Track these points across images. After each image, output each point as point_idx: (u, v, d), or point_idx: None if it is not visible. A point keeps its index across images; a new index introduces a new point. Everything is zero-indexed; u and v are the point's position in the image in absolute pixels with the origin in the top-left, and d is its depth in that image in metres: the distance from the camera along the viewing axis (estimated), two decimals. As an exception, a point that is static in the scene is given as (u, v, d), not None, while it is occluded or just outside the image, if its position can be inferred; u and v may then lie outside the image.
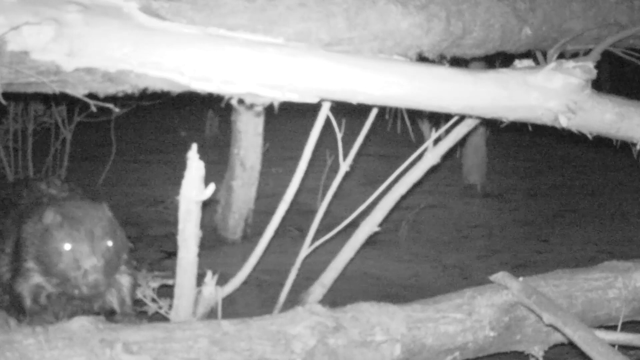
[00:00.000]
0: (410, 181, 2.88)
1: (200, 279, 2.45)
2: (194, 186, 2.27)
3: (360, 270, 3.58)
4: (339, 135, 2.74)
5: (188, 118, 6.75)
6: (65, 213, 2.31)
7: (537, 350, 2.53)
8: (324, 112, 2.65)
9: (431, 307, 2.40)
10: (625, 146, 2.74)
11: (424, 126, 5.17)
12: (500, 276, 2.49)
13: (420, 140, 5.02)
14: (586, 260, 3.60)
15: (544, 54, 3.09)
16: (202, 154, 2.27)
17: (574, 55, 3.13)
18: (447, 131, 2.90)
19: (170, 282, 2.61)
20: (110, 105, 2.17)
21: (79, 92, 2.14)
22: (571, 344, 2.35)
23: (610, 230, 4.41)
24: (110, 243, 2.33)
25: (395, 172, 2.87)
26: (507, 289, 2.46)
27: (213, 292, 2.53)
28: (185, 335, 2.15)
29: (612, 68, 6.25)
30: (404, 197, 2.92)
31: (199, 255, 2.37)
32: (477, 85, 2.39)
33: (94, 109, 2.17)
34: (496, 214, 4.72)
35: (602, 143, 2.81)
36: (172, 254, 3.40)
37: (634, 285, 2.61)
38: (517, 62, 2.58)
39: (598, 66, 2.56)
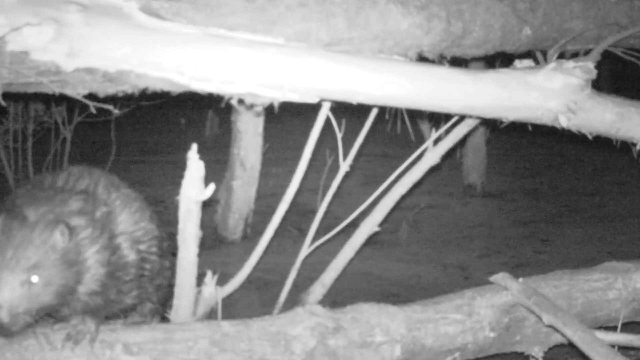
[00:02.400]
0: (410, 181, 2.88)
1: (200, 279, 2.45)
2: (194, 186, 2.27)
3: (360, 270, 3.58)
4: (339, 135, 2.74)
5: (188, 117, 6.75)
6: (3, 229, 1.90)
7: (537, 351, 2.53)
8: (324, 112, 2.65)
9: (431, 308, 2.40)
10: (625, 146, 2.74)
11: (424, 126, 5.17)
12: (500, 277, 2.49)
13: (420, 140, 5.02)
14: (586, 261, 3.60)
15: (544, 54, 3.09)
16: (202, 154, 2.27)
17: (574, 55, 3.13)
18: (447, 131, 2.90)
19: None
20: (110, 107, 2.17)
21: (78, 92, 2.14)
22: (571, 345, 2.34)
23: (610, 230, 4.41)
24: (36, 279, 1.88)
25: (395, 172, 2.87)
26: (507, 289, 2.46)
27: (213, 292, 2.52)
28: (185, 336, 2.15)
29: (612, 68, 6.25)
30: (404, 197, 2.92)
31: (199, 255, 2.36)
32: (477, 85, 2.39)
33: (93, 109, 2.17)
34: (496, 214, 4.72)
35: (602, 143, 2.81)
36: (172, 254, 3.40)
37: (633, 286, 2.61)
38: (517, 62, 2.58)
39: (598, 66, 2.56)
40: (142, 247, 2.15)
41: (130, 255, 2.11)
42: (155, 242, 2.19)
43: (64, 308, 2.04)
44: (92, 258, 2.00)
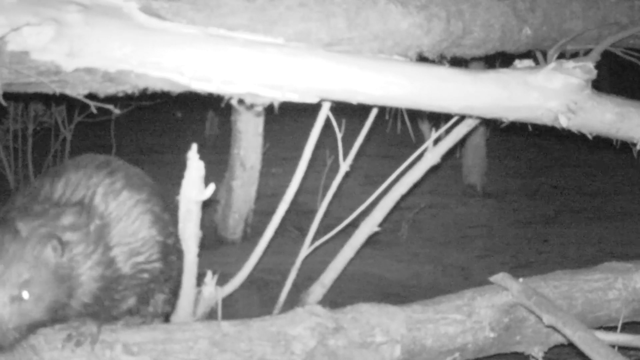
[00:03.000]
0: (410, 181, 2.88)
1: (200, 279, 2.45)
2: (194, 186, 2.27)
3: (360, 270, 3.58)
4: (339, 135, 2.74)
5: (186, 114, 6.75)
6: None
7: (537, 351, 2.53)
8: (324, 112, 2.65)
9: (431, 308, 2.40)
10: (625, 146, 2.74)
11: (424, 126, 5.16)
12: (500, 277, 2.49)
13: (420, 140, 5.02)
14: (586, 261, 3.60)
15: (544, 54, 3.09)
16: (202, 154, 2.27)
17: (574, 55, 3.13)
18: (447, 131, 2.90)
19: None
20: (110, 106, 2.17)
21: (79, 92, 2.14)
22: (571, 345, 2.34)
23: (610, 230, 4.41)
24: (27, 295, 1.87)
25: (395, 172, 2.87)
26: (507, 290, 2.46)
27: (213, 292, 2.53)
28: (185, 337, 2.15)
29: (612, 68, 6.24)
30: (404, 197, 2.92)
31: (199, 255, 2.36)
32: (477, 85, 2.39)
33: (94, 109, 2.17)
34: (496, 214, 4.72)
35: (602, 143, 2.81)
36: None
37: (633, 287, 2.61)
38: (517, 62, 2.58)
39: (598, 66, 2.56)
40: (140, 258, 2.10)
41: (125, 269, 2.07)
42: (157, 248, 2.13)
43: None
44: (86, 274, 1.97)
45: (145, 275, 2.12)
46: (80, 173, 2.10)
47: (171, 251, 2.23)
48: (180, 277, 2.32)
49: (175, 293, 2.32)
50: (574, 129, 2.56)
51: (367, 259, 3.66)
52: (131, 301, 2.13)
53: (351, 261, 2.97)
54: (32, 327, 1.93)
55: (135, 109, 4.52)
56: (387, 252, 3.95)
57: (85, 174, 2.10)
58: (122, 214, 2.08)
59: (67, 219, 1.98)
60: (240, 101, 2.24)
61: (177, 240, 2.28)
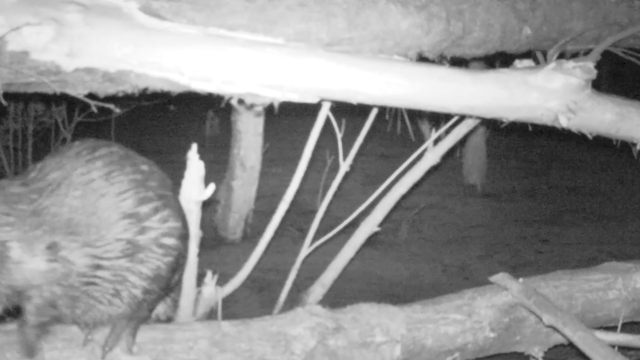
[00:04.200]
0: (410, 181, 2.88)
1: (200, 279, 2.45)
2: (194, 186, 2.27)
3: (360, 270, 3.58)
4: (339, 135, 2.74)
5: (188, 118, 6.75)
6: None
7: (537, 351, 2.53)
8: (324, 112, 2.65)
9: (431, 308, 2.40)
10: (625, 146, 2.74)
11: (424, 126, 5.16)
12: (500, 277, 2.49)
13: (420, 140, 5.02)
14: (586, 261, 3.60)
15: (544, 54, 3.09)
16: (202, 154, 2.27)
17: (574, 55, 3.13)
18: (447, 131, 2.90)
19: (170, 282, 2.60)
20: (111, 105, 2.17)
21: (79, 92, 2.13)
22: (571, 345, 2.35)
23: (610, 230, 4.41)
24: None
25: (395, 172, 2.87)
26: (507, 289, 2.46)
27: (213, 292, 2.53)
28: (185, 337, 2.15)
29: (612, 68, 6.25)
30: (404, 197, 2.92)
31: (199, 255, 2.36)
32: (477, 85, 2.39)
33: (94, 109, 2.17)
34: (496, 214, 4.72)
35: (602, 143, 2.81)
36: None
37: (633, 286, 2.61)
38: (517, 62, 2.58)
39: (598, 66, 2.56)
40: (97, 252, 1.98)
41: (77, 264, 1.97)
42: (119, 246, 1.99)
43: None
44: (16, 259, 1.92)
45: (100, 273, 1.99)
46: (56, 160, 2.04)
47: (142, 249, 2.04)
48: (169, 275, 2.14)
49: (165, 290, 2.17)
50: (574, 129, 2.56)
51: (367, 259, 3.67)
52: (102, 306, 2.02)
53: (351, 261, 2.97)
54: None
55: (135, 109, 4.52)
56: (387, 252, 3.95)
57: (59, 161, 2.04)
58: (81, 207, 1.98)
59: (10, 201, 1.95)
60: (240, 101, 2.24)
61: (163, 234, 2.08)
